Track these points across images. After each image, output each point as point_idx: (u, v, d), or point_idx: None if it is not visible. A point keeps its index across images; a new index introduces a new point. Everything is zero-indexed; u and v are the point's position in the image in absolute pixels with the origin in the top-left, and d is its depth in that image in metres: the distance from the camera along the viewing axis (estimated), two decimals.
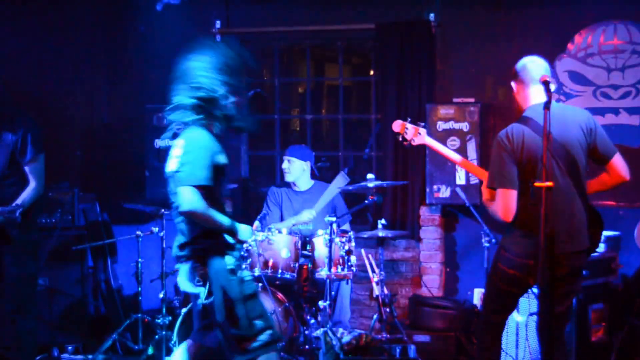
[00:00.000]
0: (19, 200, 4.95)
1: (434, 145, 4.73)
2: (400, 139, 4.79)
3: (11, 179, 5.03)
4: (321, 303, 5.51)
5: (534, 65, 4.20)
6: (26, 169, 5.04)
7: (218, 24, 7.11)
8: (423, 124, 4.79)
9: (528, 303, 5.26)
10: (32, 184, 5.04)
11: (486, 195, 4.30)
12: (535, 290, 4.67)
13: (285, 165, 6.33)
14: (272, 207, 6.38)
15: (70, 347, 6.15)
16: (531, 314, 5.23)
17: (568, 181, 4.04)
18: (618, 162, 4.21)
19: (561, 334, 4.30)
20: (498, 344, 4.39)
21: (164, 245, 5.91)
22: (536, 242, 4.02)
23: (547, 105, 3.62)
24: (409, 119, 4.82)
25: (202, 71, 3.96)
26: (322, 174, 7.26)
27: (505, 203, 4.08)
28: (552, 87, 3.74)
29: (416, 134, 4.73)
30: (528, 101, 4.22)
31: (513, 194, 4.07)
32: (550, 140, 3.63)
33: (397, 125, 4.82)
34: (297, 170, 6.31)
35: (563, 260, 3.99)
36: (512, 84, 4.29)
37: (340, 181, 6.14)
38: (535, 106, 4.14)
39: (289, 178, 6.34)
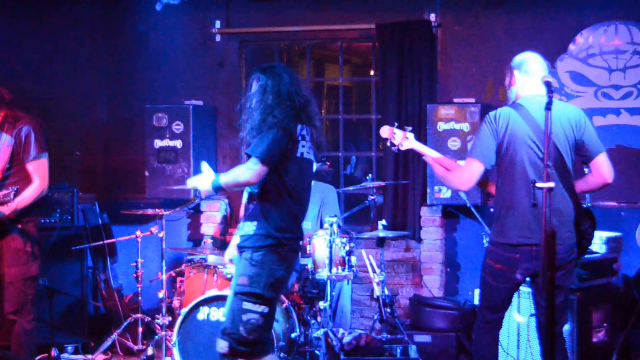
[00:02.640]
0: (19, 197, 4.93)
1: (421, 149, 4.66)
2: (389, 144, 4.73)
3: (13, 179, 5.02)
4: (321, 304, 5.50)
5: (533, 60, 4.30)
6: (29, 167, 5.03)
7: (218, 24, 7.11)
8: (410, 127, 4.72)
9: (529, 304, 5.25)
10: (36, 183, 5.02)
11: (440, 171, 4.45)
12: (527, 289, 4.67)
13: None
14: None
15: (69, 347, 6.16)
16: (532, 315, 5.22)
17: (554, 173, 4.06)
18: (602, 162, 4.23)
19: (559, 331, 4.31)
20: (495, 343, 4.39)
21: (164, 246, 5.91)
22: (520, 234, 4.13)
23: (548, 107, 3.63)
24: (397, 124, 4.76)
25: None
26: (321, 175, 7.24)
27: (466, 172, 4.23)
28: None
29: (404, 139, 4.68)
30: (523, 92, 4.30)
31: (478, 166, 4.19)
32: (548, 136, 3.63)
33: (384, 131, 4.74)
34: None
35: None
36: (512, 73, 4.35)
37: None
38: (528, 97, 4.24)
39: None
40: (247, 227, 4.12)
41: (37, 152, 5.03)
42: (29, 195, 5.01)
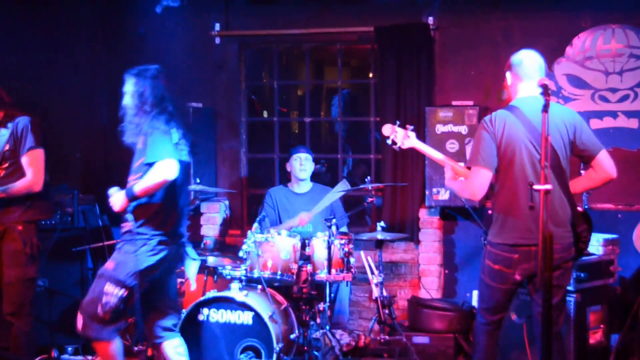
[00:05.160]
0: (8, 185, 4.96)
1: (422, 148, 4.74)
2: (390, 142, 4.78)
3: (12, 177, 5.04)
4: (320, 305, 5.53)
5: (530, 62, 4.33)
6: (23, 160, 5.03)
7: (217, 26, 7.13)
8: (412, 127, 4.79)
9: (526, 305, 5.27)
10: (28, 176, 5.02)
11: (449, 174, 4.48)
12: (524, 290, 4.69)
13: (304, 162, 6.37)
14: (269, 210, 6.41)
15: (69, 348, 6.17)
16: (529, 316, 5.24)
17: (551, 174, 4.11)
18: (604, 159, 4.28)
19: (557, 331, 4.35)
20: (494, 345, 4.41)
21: None
22: (519, 235, 4.16)
23: (545, 109, 3.66)
24: (398, 122, 4.83)
25: None
26: (320, 178, 7.28)
27: (476, 181, 4.22)
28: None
29: (406, 137, 4.74)
30: (518, 94, 4.34)
31: (485, 173, 4.20)
32: (546, 137, 3.67)
33: (386, 129, 4.82)
34: (310, 168, 6.39)
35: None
36: (507, 74, 4.40)
37: (341, 187, 6.17)
38: (524, 98, 4.29)
39: (303, 175, 6.39)
40: (126, 224, 4.48)
41: (32, 144, 5.04)
42: (18, 186, 5.00)
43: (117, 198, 4.43)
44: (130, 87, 4.56)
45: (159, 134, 4.37)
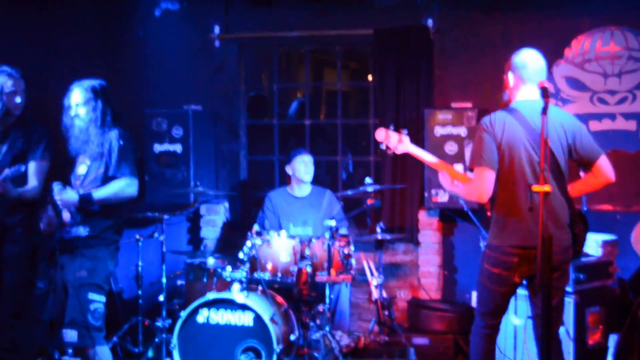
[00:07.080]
0: (21, 189, 5.00)
1: (416, 152, 4.66)
2: (384, 147, 4.70)
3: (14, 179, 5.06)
4: (320, 306, 5.54)
5: (534, 66, 4.32)
6: (30, 167, 5.05)
7: (217, 29, 7.15)
8: (406, 131, 4.72)
9: (525, 306, 5.29)
10: (33, 183, 5.05)
11: (447, 180, 4.46)
12: (524, 292, 4.70)
13: (308, 165, 6.39)
14: (269, 214, 6.42)
15: (70, 350, 6.17)
16: (529, 317, 5.26)
17: (548, 176, 4.10)
18: (603, 164, 4.29)
19: (555, 332, 4.36)
20: (492, 348, 4.42)
21: (164, 249, 5.95)
22: (519, 237, 4.16)
23: (544, 111, 3.68)
24: (392, 127, 4.77)
25: None
26: (319, 179, 7.29)
27: (482, 183, 4.19)
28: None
29: (400, 141, 4.68)
30: (519, 96, 4.34)
31: (490, 174, 4.18)
32: (546, 140, 3.69)
33: (380, 134, 4.71)
34: (313, 170, 6.40)
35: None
36: (509, 75, 4.38)
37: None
38: (524, 101, 4.29)
39: (308, 178, 6.41)
40: (82, 230, 4.62)
41: (42, 153, 5.07)
42: (28, 192, 5.03)
43: (70, 196, 4.53)
44: (86, 100, 4.74)
45: (128, 149, 4.61)
